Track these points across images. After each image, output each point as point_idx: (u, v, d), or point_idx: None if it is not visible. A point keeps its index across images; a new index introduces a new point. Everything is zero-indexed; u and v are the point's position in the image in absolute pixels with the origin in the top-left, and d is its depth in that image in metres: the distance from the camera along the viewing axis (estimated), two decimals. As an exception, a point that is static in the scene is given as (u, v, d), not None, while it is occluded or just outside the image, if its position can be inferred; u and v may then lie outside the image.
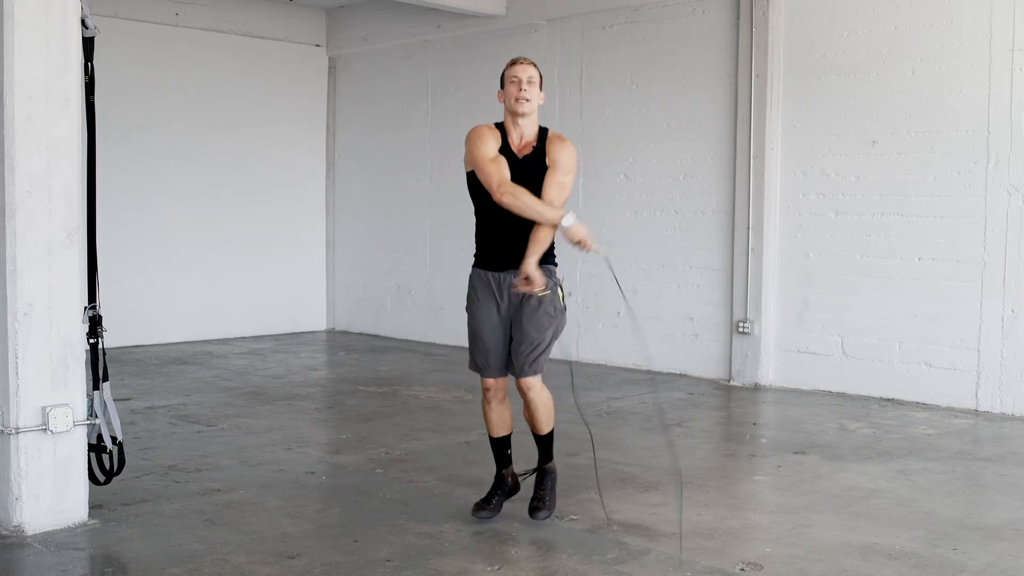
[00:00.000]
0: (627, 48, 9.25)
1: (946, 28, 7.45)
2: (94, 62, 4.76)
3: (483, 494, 4.91)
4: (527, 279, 4.42)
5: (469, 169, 4.58)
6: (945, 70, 7.46)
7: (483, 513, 4.68)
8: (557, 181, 4.48)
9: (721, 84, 8.62)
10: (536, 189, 4.46)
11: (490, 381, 4.62)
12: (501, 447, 4.75)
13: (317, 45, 11.87)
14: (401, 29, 11.09)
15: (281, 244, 11.63)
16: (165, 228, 10.60)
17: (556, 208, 4.46)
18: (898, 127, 7.69)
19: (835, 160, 8.02)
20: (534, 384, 4.55)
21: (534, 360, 4.50)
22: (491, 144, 4.49)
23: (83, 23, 4.61)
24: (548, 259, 4.60)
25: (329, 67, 11.98)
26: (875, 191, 7.82)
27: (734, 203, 8.50)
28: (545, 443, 4.74)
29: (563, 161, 4.51)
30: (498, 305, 4.57)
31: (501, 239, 4.56)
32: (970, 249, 7.36)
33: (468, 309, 4.66)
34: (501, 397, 4.64)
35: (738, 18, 8.46)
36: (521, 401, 4.66)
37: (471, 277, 4.67)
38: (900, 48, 7.67)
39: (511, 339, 4.57)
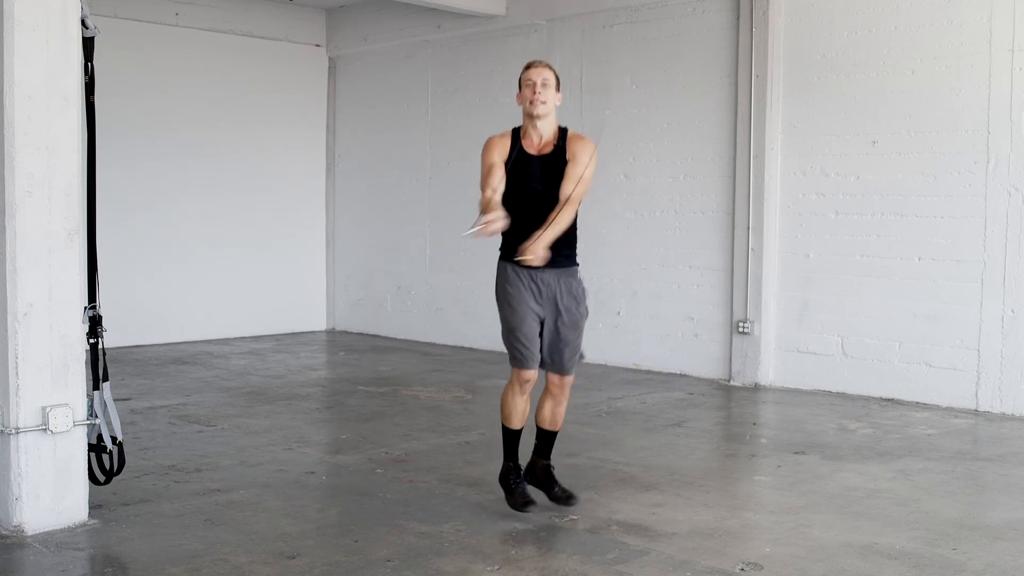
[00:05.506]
0: (627, 48, 9.25)
1: (946, 28, 7.45)
2: (94, 62, 4.76)
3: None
4: (531, 250, 4.43)
5: None
6: (945, 70, 7.46)
7: (529, 508, 4.75)
8: (575, 174, 4.61)
9: (721, 84, 8.62)
10: (557, 185, 4.60)
11: (530, 373, 4.72)
12: (516, 438, 4.87)
13: (317, 45, 11.87)
14: (401, 29, 11.08)
15: (281, 244, 11.63)
16: (165, 228, 10.60)
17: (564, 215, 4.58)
18: (898, 127, 7.69)
19: (835, 160, 8.02)
20: (570, 382, 4.85)
21: (574, 361, 4.82)
22: (494, 155, 4.64)
23: (83, 23, 4.61)
24: (571, 260, 4.79)
25: (329, 67, 11.98)
26: (875, 191, 7.82)
27: (734, 203, 8.50)
28: (552, 440, 4.93)
29: (581, 156, 4.63)
30: (535, 299, 4.68)
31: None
32: (970, 249, 7.36)
33: (504, 301, 4.70)
34: (530, 389, 4.77)
35: (738, 18, 8.45)
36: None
37: (502, 269, 4.72)
38: (900, 48, 7.67)
39: (545, 337, 4.73)
